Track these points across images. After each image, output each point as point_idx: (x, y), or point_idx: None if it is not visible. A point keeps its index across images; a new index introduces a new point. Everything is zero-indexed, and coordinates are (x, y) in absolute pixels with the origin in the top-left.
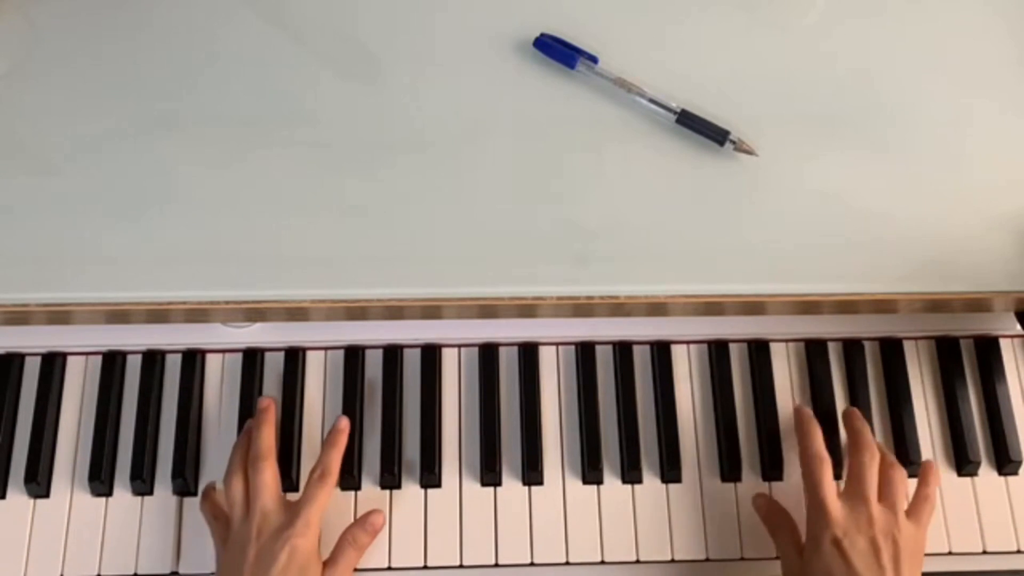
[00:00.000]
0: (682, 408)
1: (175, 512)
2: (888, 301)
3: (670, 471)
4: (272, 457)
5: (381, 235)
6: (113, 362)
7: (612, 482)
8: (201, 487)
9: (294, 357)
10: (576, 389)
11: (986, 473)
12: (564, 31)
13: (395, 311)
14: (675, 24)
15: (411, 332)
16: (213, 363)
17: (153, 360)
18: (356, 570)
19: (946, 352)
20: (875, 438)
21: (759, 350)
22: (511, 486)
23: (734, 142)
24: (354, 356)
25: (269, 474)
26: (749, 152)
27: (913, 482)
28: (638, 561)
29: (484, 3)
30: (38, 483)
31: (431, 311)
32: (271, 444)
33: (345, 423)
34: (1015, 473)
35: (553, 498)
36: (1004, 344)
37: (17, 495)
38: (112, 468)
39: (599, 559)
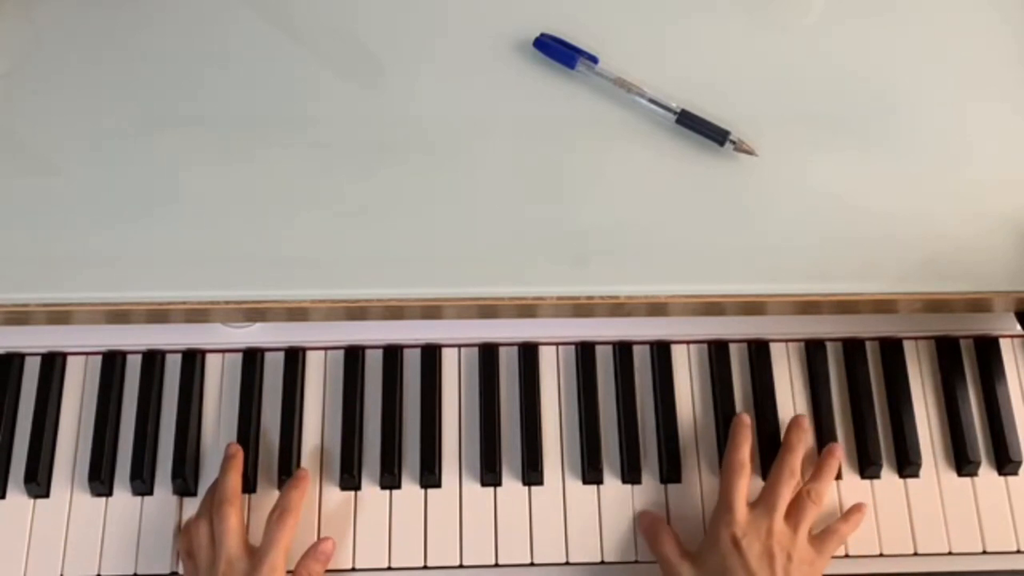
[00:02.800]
0: (682, 408)
1: (175, 512)
2: (888, 301)
3: (670, 471)
4: (237, 502)
5: (381, 235)
6: (113, 362)
7: (612, 482)
8: (201, 487)
9: (294, 357)
10: (576, 389)
11: (986, 473)
12: (564, 31)
13: (395, 311)
14: (675, 24)
15: (411, 332)
16: (213, 363)
17: (153, 360)
18: (357, 570)
19: (946, 352)
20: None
21: (759, 350)
22: (511, 486)
23: (734, 142)
24: (354, 356)
25: (234, 520)
26: (749, 152)
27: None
28: (637, 561)
29: (484, 3)
30: (38, 483)
31: (431, 311)
32: (237, 489)
33: (304, 471)
34: (1015, 473)
35: (553, 498)
36: (1004, 344)
37: (17, 495)
38: (112, 468)
39: (599, 559)
